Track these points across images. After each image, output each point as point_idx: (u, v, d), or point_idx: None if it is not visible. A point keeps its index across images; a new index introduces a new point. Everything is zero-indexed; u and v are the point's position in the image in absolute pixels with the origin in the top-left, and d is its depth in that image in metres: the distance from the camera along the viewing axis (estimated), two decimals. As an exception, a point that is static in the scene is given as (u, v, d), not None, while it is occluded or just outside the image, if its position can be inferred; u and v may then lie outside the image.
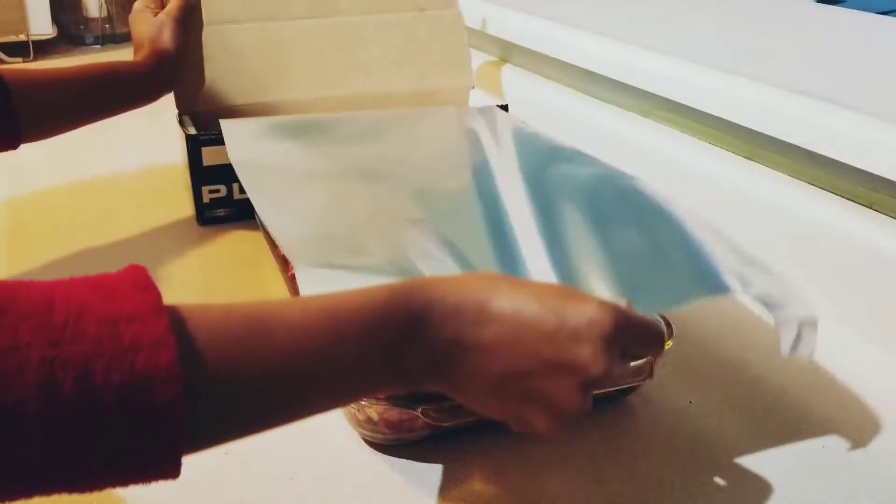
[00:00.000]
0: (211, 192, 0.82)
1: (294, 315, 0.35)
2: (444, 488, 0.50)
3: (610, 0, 1.20)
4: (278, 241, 0.57)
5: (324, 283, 0.53)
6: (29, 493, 0.29)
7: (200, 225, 0.83)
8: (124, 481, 0.30)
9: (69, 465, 0.28)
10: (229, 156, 0.68)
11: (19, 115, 0.69)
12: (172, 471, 0.30)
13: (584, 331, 0.38)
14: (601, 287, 0.53)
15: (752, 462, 0.53)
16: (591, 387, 0.38)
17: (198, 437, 0.31)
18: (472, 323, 0.38)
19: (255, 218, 0.74)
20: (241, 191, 0.80)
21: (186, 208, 0.85)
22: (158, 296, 0.31)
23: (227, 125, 0.73)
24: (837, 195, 0.71)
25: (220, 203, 0.83)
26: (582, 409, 0.39)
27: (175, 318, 0.31)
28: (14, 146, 0.71)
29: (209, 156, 0.81)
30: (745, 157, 0.80)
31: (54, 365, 0.28)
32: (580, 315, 0.38)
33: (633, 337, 0.41)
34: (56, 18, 1.44)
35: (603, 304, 0.39)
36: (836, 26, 1.08)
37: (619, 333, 0.39)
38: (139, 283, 0.32)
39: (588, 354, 0.37)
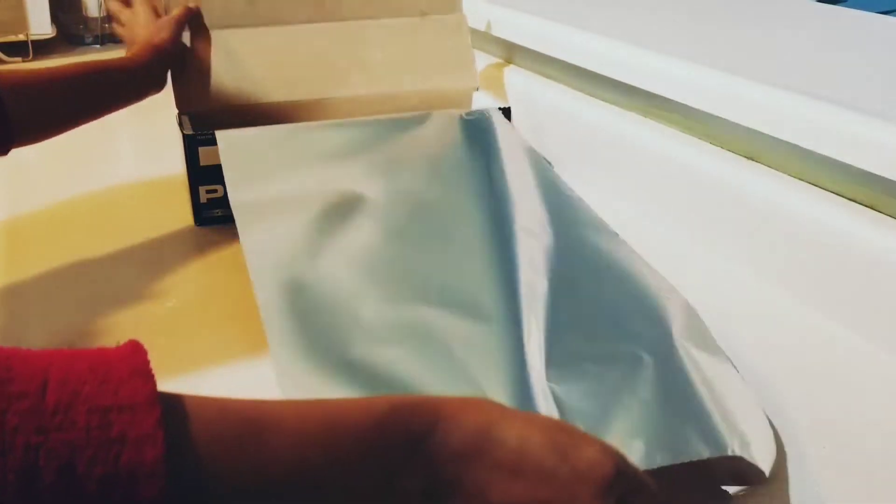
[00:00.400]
0: (208, 192, 0.82)
1: (291, 421, 0.34)
2: None
3: (610, 0, 1.20)
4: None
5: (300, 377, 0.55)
6: None
7: (198, 225, 0.83)
8: None
9: None
10: (229, 195, 0.72)
11: (10, 118, 0.67)
12: None
13: (585, 473, 0.37)
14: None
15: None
16: None
17: None
18: (473, 449, 0.36)
19: None
20: None
21: (184, 208, 0.85)
22: (154, 385, 0.30)
23: (223, 142, 0.73)
24: (838, 195, 0.71)
25: (218, 203, 0.82)
26: None
27: (168, 411, 0.30)
28: (5, 152, 0.69)
29: (206, 156, 0.80)
30: (746, 157, 0.79)
31: (38, 452, 0.27)
32: (582, 457, 0.37)
33: (631, 484, 0.39)
34: (55, 18, 1.43)
35: (605, 448, 0.38)
36: (836, 26, 1.08)
37: (619, 479, 0.38)
38: (137, 368, 0.31)
39: (585, 498, 0.37)
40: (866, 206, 0.69)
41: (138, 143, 1.15)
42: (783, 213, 0.73)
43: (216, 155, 0.78)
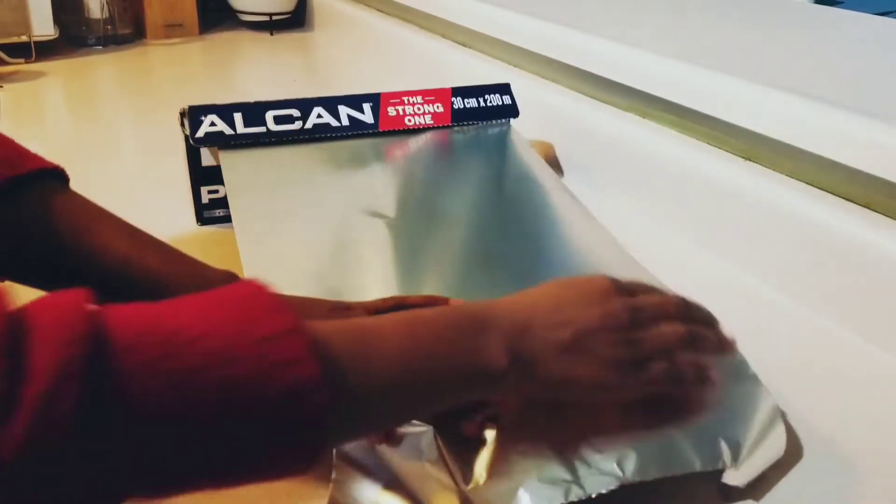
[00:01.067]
0: (210, 192, 0.83)
1: (386, 325, 0.40)
2: None
3: (610, 1, 1.20)
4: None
5: None
6: (187, 485, 0.33)
7: (199, 225, 0.84)
8: (265, 477, 0.35)
9: (227, 461, 0.33)
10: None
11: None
12: (307, 468, 0.35)
13: (599, 281, 0.47)
14: None
15: (750, 461, 0.53)
16: (632, 343, 0.45)
17: (333, 436, 0.38)
18: (526, 318, 0.43)
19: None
20: None
21: (186, 208, 0.85)
22: (293, 314, 0.35)
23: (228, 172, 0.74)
24: (835, 195, 0.71)
25: (219, 203, 0.83)
26: (633, 358, 0.45)
27: (309, 334, 0.35)
28: None
29: (208, 156, 0.81)
30: (744, 158, 0.80)
31: (226, 384, 0.32)
32: (584, 283, 0.47)
33: (630, 286, 0.48)
34: (58, 19, 1.44)
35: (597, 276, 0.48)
36: (834, 27, 1.08)
37: (616, 283, 0.47)
38: (272, 302, 0.35)
39: (600, 289, 0.46)
40: (863, 205, 0.69)
41: (138, 144, 1.16)
42: (780, 213, 0.73)
43: (217, 156, 0.79)
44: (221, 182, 0.80)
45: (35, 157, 0.53)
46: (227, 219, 0.82)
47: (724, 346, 0.50)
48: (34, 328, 0.30)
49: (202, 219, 0.84)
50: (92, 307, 0.31)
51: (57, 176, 0.55)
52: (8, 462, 0.27)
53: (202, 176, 0.82)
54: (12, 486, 0.28)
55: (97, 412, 0.29)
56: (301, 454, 0.35)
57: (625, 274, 0.62)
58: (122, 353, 0.30)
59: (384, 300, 0.57)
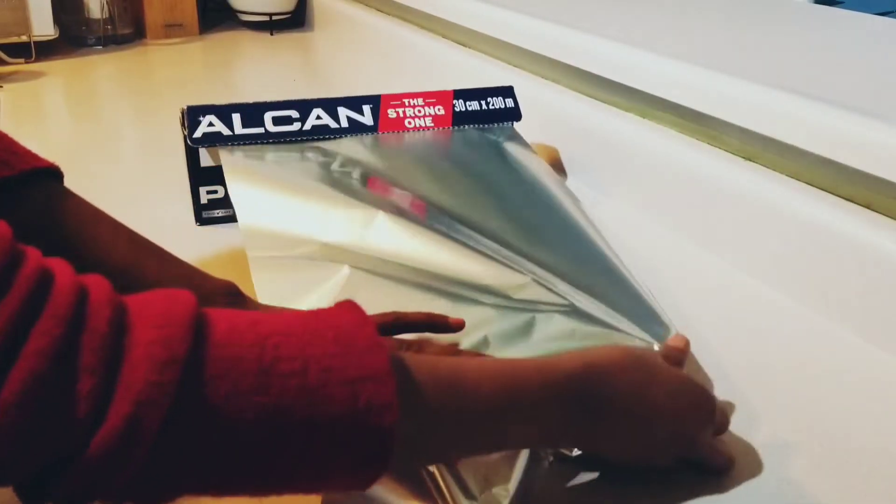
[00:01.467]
0: (209, 192, 0.83)
1: (485, 383, 0.41)
2: None
3: (609, 1, 1.20)
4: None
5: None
6: (264, 488, 0.35)
7: (199, 225, 0.84)
8: (320, 491, 0.39)
9: (296, 485, 0.35)
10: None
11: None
12: (368, 485, 0.37)
13: (702, 407, 0.51)
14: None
15: (749, 461, 0.53)
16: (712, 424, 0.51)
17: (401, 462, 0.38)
18: (626, 410, 0.46)
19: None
20: None
21: (185, 209, 0.85)
22: (387, 354, 0.36)
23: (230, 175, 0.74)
24: (835, 195, 0.71)
25: (218, 204, 0.83)
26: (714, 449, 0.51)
27: (399, 374, 0.36)
28: None
29: (207, 157, 0.81)
30: (744, 158, 0.80)
31: (311, 421, 0.34)
32: (700, 399, 0.51)
33: (721, 418, 0.54)
34: (58, 19, 1.44)
35: (707, 393, 0.52)
36: (834, 27, 1.08)
37: (716, 411, 0.52)
38: (371, 338, 0.36)
39: (703, 422, 0.51)
40: (863, 205, 0.69)
41: (138, 144, 1.16)
42: (780, 213, 0.73)
43: (217, 156, 0.79)
44: (220, 182, 0.80)
45: (30, 155, 0.53)
46: (226, 219, 0.83)
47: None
48: (136, 328, 0.31)
49: (201, 219, 0.84)
50: (195, 316, 0.32)
51: (52, 175, 0.54)
52: (91, 459, 0.29)
53: (201, 176, 0.82)
54: (89, 480, 0.30)
55: (180, 434, 0.31)
56: (364, 481, 0.36)
57: (618, 283, 0.63)
58: (215, 379, 0.32)
59: (383, 315, 0.56)
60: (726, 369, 0.63)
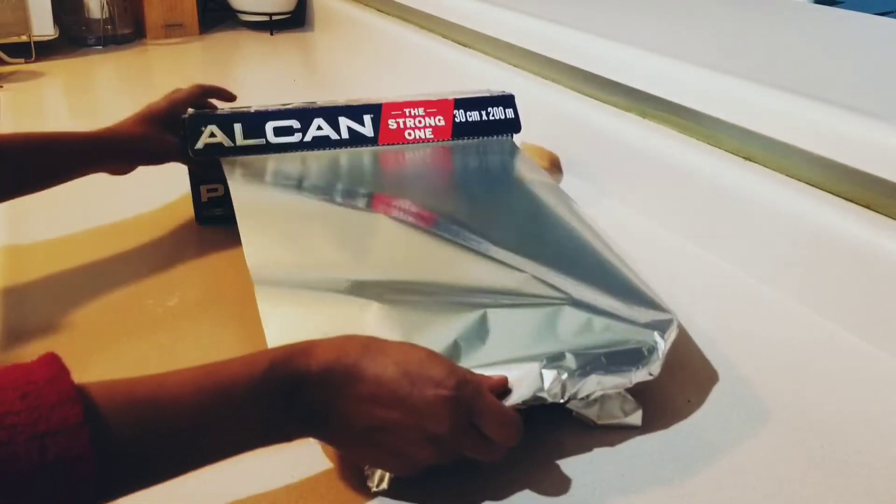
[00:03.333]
0: (209, 191, 0.83)
1: (187, 393, 0.41)
2: None
3: (609, 1, 1.20)
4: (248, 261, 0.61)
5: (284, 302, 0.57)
6: None
7: (199, 224, 0.84)
8: None
9: None
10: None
11: None
12: None
13: (431, 395, 0.45)
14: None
15: (750, 461, 0.54)
16: (438, 442, 0.46)
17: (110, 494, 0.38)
18: (341, 385, 0.45)
19: None
20: None
21: (185, 207, 0.85)
22: (80, 408, 0.36)
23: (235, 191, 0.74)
24: (835, 195, 0.71)
25: (218, 202, 0.83)
26: (431, 459, 0.47)
27: (89, 415, 0.36)
28: None
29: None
30: (744, 158, 0.80)
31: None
32: (429, 381, 0.46)
33: (484, 414, 0.47)
34: (58, 19, 1.44)
35: (453, 373, 0.47)
36: (834, 27, 1.08)
37: (466, 404, 0.46)
38: (63, 391, 0.36)
39: (432, 414, 0.45)
40: (863, 205, 0.69)
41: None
42: (780, 213, 0.73)
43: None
44: (220, 181, 0.80)
45: None
46: (226, 218, 0.82)
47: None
48: None
49: (202, 218, 0.84)
50: None
51: None
52: None
53: (201, 175, 0.82)
54: None
55: None
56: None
57: (616, 287, 0.63)
58: None
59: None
60: (725, 369, 0.63)
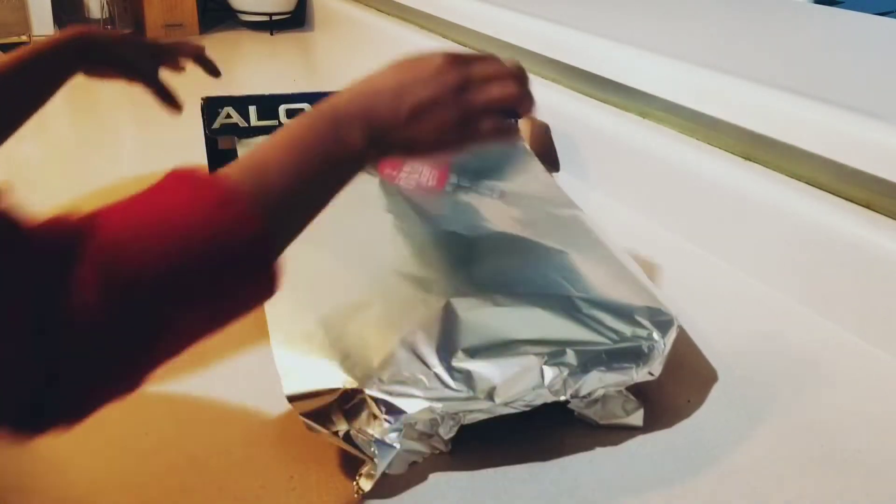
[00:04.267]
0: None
1: (270, 147, 0.47)
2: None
3: (610, 2, 1.20)
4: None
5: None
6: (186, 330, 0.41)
7: None
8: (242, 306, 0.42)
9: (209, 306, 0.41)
10: None
11: None
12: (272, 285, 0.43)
13: (427, 54, 0.52)
14: None
15: (750, 460, 0.54)
16: (464, 93, 0.51)
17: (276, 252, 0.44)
18: (369, 96, 0.51)
19: None
20: None
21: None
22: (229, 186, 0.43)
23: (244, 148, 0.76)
24: (835, 195, 0.71)
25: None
26: (473, 111, 0.52)
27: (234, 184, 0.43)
28: None
29: (224, 141, 0.88)
30: (744, 158, 0.80)
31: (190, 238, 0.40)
32: (423, 57, 0.53)
33: (474, 64, 0.53)
34: (58, 19, 1.44)
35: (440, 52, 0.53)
36: (834, 27, 1.08)
37: (457, 58, 0.52)
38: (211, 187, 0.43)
39: (435, 65, 0.51)
40: (863, 205, 0.69)
41: (138, 143, 1.16)
42: (780, 213, 0.73)
43: (231, 142, 0.86)
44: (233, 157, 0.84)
45: None
46: None
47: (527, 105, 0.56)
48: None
49: None
50: (82, 218, 0.38)
51: None
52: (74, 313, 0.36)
53: (218, 158, 0.88)
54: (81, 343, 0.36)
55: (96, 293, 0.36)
56: (261, 278, 0.42)
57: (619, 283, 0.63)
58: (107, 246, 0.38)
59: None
60: (725, 369, 0.63)
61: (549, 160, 0.99)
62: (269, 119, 0.86)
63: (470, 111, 0.52)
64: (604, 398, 0.55)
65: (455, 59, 0.52)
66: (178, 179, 0.43)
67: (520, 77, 0.55)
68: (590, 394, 0.54)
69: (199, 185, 0.43)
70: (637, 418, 0.56)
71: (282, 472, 0.51)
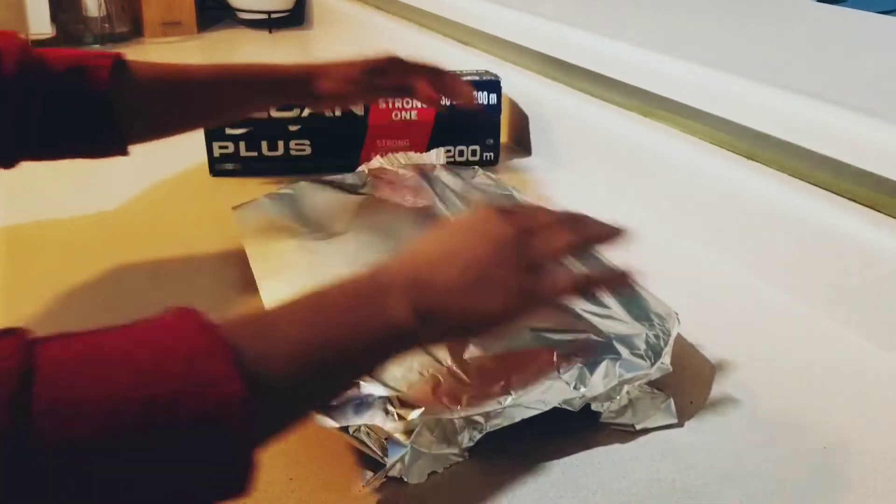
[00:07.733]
0: (221, 147, 0.95)
1: (285, 313, 0.41)
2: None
3: (612, 1, 1.20)
4: None
5: None
6: None
7: (212, 175, 0.96)
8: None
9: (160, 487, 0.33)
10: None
11: (122, 124, 0.70)
12: (245, 487, 0.36)
13: (481, 213, 0.47)
14: None
15: (750, 460, 0.53)
16: (529, 257, 0.46)
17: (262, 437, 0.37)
18: (419, 264, 0.45)
19: (258, 172, 0.94)
20: (247, 148, 0.95)
21: (184, 207, 0.86)
22: (222, 335, 0.36)
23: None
24: (837, 195, 0.71)
25: (229, 158, 0.95)
26: (537, 280, 0.46)
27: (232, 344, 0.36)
28: (123, 152, 0.73)
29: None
30: (745, 157, 0.79)
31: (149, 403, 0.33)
32: (475, 216, 0.48)
33: (520, 214, 0.49)
34: (55, 18, 1.43)
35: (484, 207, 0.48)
36: (836, 26, 1.08)
37: (504, 214, 0.47)
38: (202, 325, 0.37)
39: (494, 223, 0.46)
40: (867, 205, 0.69)
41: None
42: (783, 213, 0.73)
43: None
44: (230, 139, 0.94)
45: (97, 55, 0.70)
46: (235, 172, 0.96)
47: (613, 233, 0.51)
48: None
49: (214, 171, 0.96)
50: (27, 341, 0.33)
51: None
52: None
53: (214, 133, 0.94)
54: None
55: (18, 446, 0.30)
56: (235, 470, 0.35)
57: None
58: (46, 382, 0.32)
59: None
60: (726, 368, 0.62)
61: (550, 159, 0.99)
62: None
63: (540, 265, 0.46)
64: (632, 402, 0.56)
65: (503, 212, 0.47)
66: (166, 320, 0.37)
67: (581, 219, 0.49)
68: (607, 388, 0.54)
69: (182, 321, 0.37)
70: (670, 413, 0.56)
71: (282, 474, 0.51)
